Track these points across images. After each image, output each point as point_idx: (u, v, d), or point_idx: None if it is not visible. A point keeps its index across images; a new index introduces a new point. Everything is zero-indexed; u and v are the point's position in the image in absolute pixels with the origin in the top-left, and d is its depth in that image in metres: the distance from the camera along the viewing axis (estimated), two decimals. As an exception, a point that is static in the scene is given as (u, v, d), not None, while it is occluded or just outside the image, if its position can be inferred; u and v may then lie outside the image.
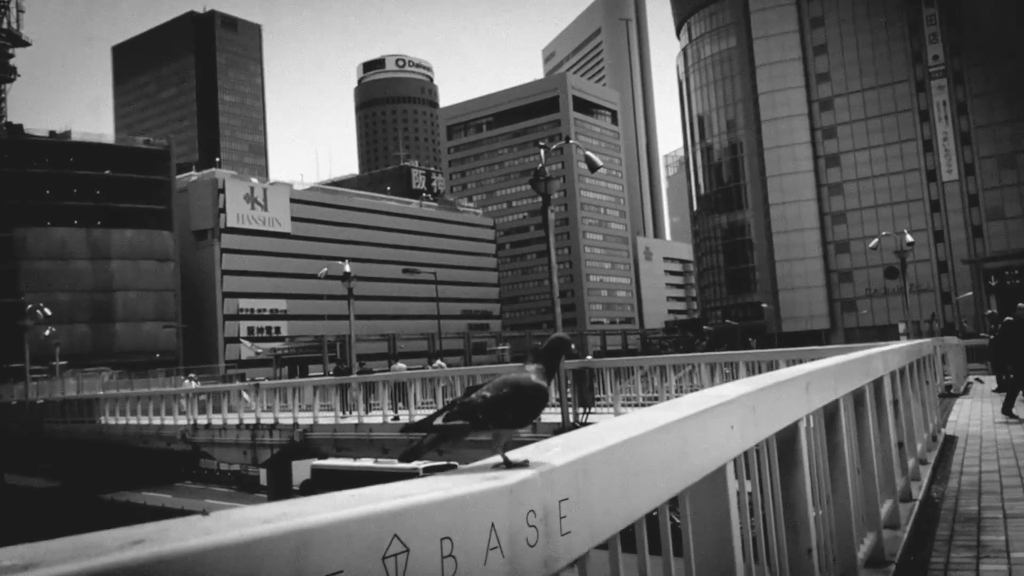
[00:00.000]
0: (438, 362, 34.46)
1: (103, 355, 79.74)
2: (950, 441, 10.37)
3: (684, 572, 2.09)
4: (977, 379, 22.27)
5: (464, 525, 1.13)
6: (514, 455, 1.47)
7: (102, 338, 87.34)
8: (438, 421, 1.54)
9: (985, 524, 5.86)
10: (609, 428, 1.79)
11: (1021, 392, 13.92)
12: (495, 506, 1.21)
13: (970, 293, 77.47)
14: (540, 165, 15.65)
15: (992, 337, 14.33)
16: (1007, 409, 12.80)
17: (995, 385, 18.53)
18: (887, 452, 5.57)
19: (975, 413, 13.37)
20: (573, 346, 1.81)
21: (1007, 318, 14.93)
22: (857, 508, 4.23)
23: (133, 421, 30.33)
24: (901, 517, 5.47)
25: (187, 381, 46.80)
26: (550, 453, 1.47)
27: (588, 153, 16.47)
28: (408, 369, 27.11)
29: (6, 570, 0.67)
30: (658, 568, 1.89)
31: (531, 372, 1.65)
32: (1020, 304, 14.65)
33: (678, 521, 2.08)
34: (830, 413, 3.90)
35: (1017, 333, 13.78)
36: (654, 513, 1.86)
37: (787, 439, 3.03)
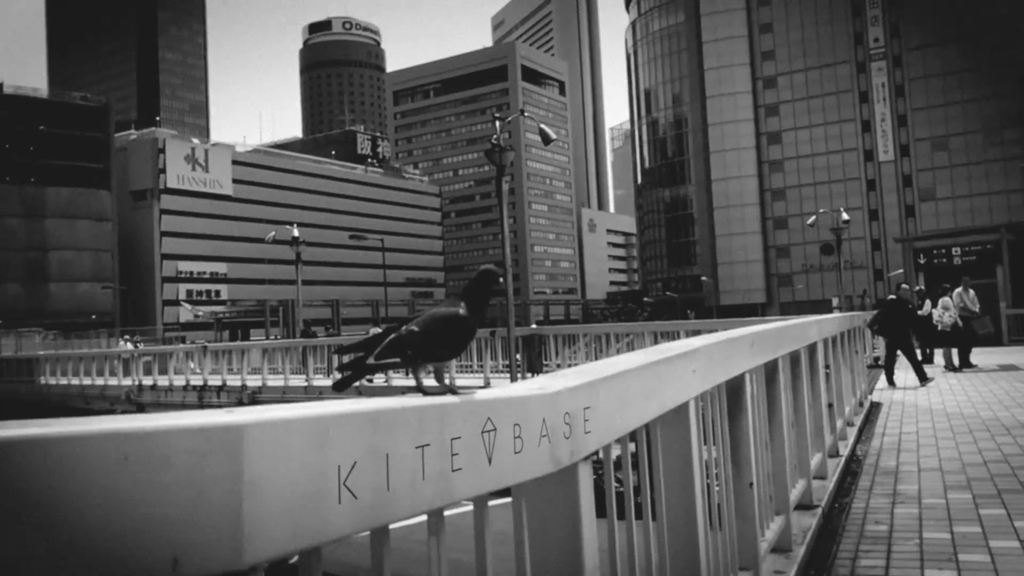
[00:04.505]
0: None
1: (37, 315, 77.87)
2: (875, 407, 11.17)
3: (653, 491, 2.58)
4: (903, 352, 23.39)
5: (527, 416, 1.59)
6: (540, 379, 1.91)
7: (36, 298, 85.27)
8: (370, 360, 1.60)
9: (902, 476, 6.53)
10: (606, 364, 2.25)
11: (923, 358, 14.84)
12: (545, 406, 1.65)
13: (901, 271, 79.65)
14: (496, 136, 16.02)
15: (874, 314, 15.44)
16: (921, 377, 13.86)
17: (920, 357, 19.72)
18: (818, 410, 6.18)
19: (899, 382, 14.25)
20: (502, 280, 1.81)
21: (890, 296, 16.02)
22: (791, 457, 4.79)
23: (75, 381, 30.02)
24: (828, 469, 6.10)
25: (123, 343, 46.12)
26: (567, 377, 1.92)
27: (542, 126, 16.88)
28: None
29: None
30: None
31: (458, 306, 1.70)
32: (903, 285, 15.81)
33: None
34: (770, 370, 4.43)
35: (897, 311, 14.86)
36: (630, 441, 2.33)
37: (735, 388, 3.55)
